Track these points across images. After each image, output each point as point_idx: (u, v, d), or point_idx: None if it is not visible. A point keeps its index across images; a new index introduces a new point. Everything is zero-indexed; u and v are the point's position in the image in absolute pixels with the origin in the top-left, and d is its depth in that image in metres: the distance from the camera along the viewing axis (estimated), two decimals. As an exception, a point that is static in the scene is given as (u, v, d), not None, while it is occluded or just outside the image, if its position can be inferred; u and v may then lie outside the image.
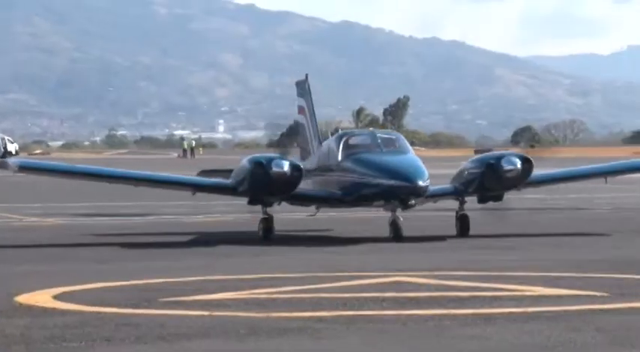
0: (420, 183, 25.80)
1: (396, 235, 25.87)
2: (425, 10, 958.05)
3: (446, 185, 28.79)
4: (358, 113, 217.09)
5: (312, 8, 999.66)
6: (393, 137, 28.87)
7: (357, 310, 15.38)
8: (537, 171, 28.43)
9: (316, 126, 32.88)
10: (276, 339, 13.11)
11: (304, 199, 28.41)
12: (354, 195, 26.74)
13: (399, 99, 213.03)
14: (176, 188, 31.47)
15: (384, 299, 16.41)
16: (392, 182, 25.64)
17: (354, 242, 26.58)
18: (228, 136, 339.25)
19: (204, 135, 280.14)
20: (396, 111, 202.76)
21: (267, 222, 26.86)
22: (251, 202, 26.92)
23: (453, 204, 28.73)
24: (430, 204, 30.14)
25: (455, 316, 14.88)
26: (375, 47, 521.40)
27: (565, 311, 15.18)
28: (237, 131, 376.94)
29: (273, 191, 26.33)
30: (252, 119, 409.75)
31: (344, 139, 28.14)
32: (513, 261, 21.88)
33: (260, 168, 25.72)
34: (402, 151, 27.55)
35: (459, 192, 27.78)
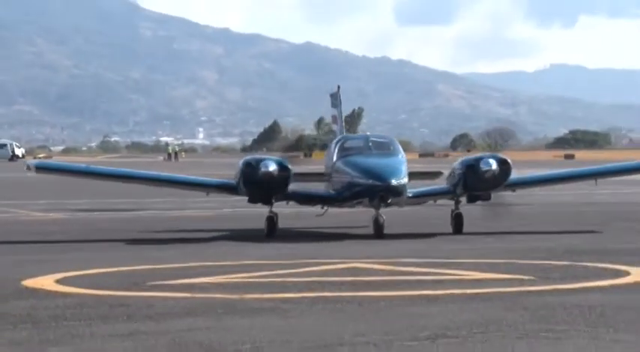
0: (394, 182, 24.37)
1: (378, 233, 24.46)
2: (376, 32, 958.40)
3: (441, 185, 27.41)
4: (319, 122, 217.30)
5: (279, 31, 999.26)
6: (386, 141, 27.30)
7: (319, 292, 15.38)
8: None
9: (343, 132, 31.26)
10: (249, 317, 13.10)
11: (299, 198, 26.82)
12: (343, 195, 25.54)
13: (354, 110, 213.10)
14: (188, 188, 30.44)
15: (342, 283, 16.43)
16: (369, 181, 24.45)
17: (340, 237, 25.93)
18: (207, 142, 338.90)
19: (186, 141, 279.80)
20: (352, 121, 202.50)
21: (271, 220, 25.57)
22: (250, 201, 25.83)
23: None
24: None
25: (404, 297, 14.91)
26: (333, 65, 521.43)
27: (498, 292, 15.24)
28: (214, 137, 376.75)
29: (264, 189, 25.11)
30: (228, 127, 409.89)
31: (340, 143, 27.21)
32: (460, 249, 21.88)
33: (249, 168, 24.83)
34: (390, 154, 26.08)
35: (450, 191, 26.30)
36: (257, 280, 16.82)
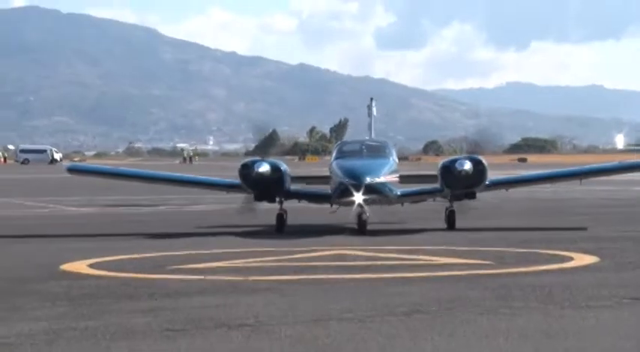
0: (367, 180, 22.45)
1: (361, 229, 22.69)
2: (359, 55, 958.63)
3: (434, 185, 24.64)
4: (311, 131, 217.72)
5: (277, 54, 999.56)
6: (379, 144, 25.52)
7: (312, 275, 15.39)
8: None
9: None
10: (252, 296, 13.09)
11: (302, 197, 24.92)
12: (335, 193, 23.62)
13: (340, 121, 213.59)
14: (200, 187, 29.44)
15: (331, 267, 16.43)
16: (345, 180, 22.68)
17: (333, 231, 24.40)
18: (216, 148, 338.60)
19: (198, 147, 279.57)
20: (339, 130, 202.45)
21: (280, 217, 23.68)
22: (255, 199, 24.05)
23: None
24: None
25: (383, 278, 14.91)
26: (323, 83, 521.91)
27: (463, 275, 15.25)
28: (222, 144, 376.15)
29: (259, 188, 23.46)
30: (234, 135, 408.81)
31: (338, 147, 25.64)
32: (431, 239, 21.86)
33: (245, 169, 23.39)
34: (379, 156, 24.27)
35: (439, 191, 24.18)
36: (258, 264, 16.83)
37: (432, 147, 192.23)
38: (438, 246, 19.89)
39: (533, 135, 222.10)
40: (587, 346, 9.64)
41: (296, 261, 17.34)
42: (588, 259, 17.09)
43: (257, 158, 23.79)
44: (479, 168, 23.30)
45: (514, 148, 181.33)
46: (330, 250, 18.99)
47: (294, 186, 24.81)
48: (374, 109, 30.42)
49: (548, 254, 18.02)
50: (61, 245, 20.66)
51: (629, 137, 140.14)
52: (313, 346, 9.69)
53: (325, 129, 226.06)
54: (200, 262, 17.02)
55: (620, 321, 11.08)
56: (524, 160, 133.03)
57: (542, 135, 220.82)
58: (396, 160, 24.97)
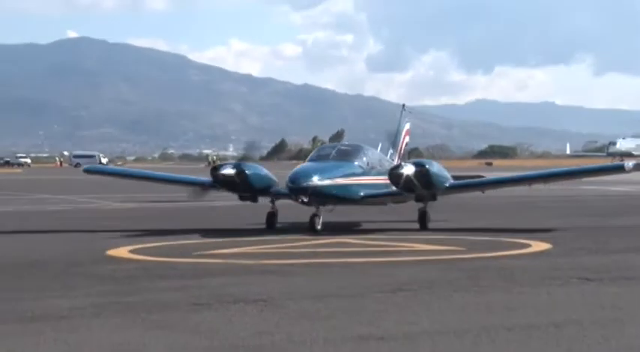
0: (304, 184, 19.92)
1: (310, 227, 20.17)
2: (354, 77, 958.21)
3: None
4: (314, 140, 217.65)
5: (285, 76, 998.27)
6: (351, 149, 22.27)
7: (313, 259, 15.37)
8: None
9: (396, 142, 26.43)
10: (263, 276, 13.07)
11: (280, 196, 21.62)
12: None
13: (337, 131, 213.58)
14: (183, 185, 26.26)
15: (329, 252, 16.41)
16: (289, 183, 20.30)
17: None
18: (235, 154, 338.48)
19: (220, 153, 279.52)
20: (336, 139, 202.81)
21: (269, 215, 21.45)
22: (240, 198, 21.92)
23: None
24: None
25: (373, 262, 14.90)
26: (323, 99, 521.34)
27: (439, 259, 15.24)
28: (240, 150, 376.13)
29: (226, 186, 21.39)
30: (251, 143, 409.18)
31: (315, 150, 23.46)
32: (411, 230, 21.84)
33: (214, 171, 21.54)
34: (343, 159, 21.36)
35: (398, 193, 21.41)
36: (268, 251, 16.79)
37: (413, 153, 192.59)
38: (417, 235, 19.87)
39: (497, 143, 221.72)
40: (541, 317, 9.63)
41: (299, 247, 17.32)
42: (544, 246, 17.07)
43: (227, 163, 22.05)
44: (422, 171, 20.58)
45: (482, 154, 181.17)
46: (328, 239, 18.95)
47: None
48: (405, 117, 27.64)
49: (511, 242, 18.00)
50: (107, 234, 20.64)
51: (575, 145, 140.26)
52: (315, 317, 9.68)
53: (325, 138, 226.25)
54: (220, 248, 16.99)
55: (569, 297, 11.07)
56: (490, 164, 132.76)
57: (505, 143, 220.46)
58: (373, 164, 21.93)
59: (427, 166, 20.90)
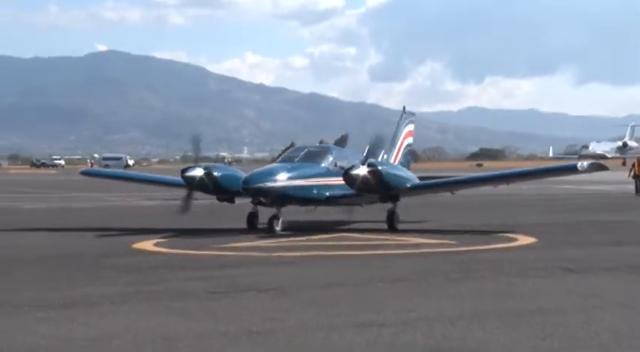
0: (257, 185, 18.50)
1: (269, 229, 18.71)
2: (357, 86, 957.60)
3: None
4: (320, 143, 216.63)
5: (295, 85, 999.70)
6: (320, 151, 20.84)
7: (321, 251, 15.34)
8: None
9: (392, 143, 24.75)
10: (273, 267, 13.06)
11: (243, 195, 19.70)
12: None
13: (342, 136, 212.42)
14: (164, 186, 25.02)
15: (335, 246, 16.37)
16: (242, 184, 18.90)
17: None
18: (249, 156, 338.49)
19: (235, 155, 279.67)
20: (340, 142, 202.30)
21: (250, 215, 19.85)
22: (217, 200, 20.33)
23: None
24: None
25: (374, 255, 14.86)
26: (329, 106, 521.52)
27: (434, 252, 15.19)
28: (254, 153, 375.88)
29: (192, 187, 19.76)
30: (262, 146, 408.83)
31: (287, 152, 21.48)
32: (409, 225, 21.78)
33: (182, 172, 19.93)
34: (308, 161, 19.86)
35: (356, 195, 19.48)
36: (278, 244, 16.76)
37: (411, 156, 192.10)
38: (415, 230, 19.83)
39: (487, 146, 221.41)
40: (528, 304, 9.59)
41: (306, 241, 17.28)
42: (529, 240, 17.02)
43: (196, 165, 20.19)
44: (374, 172, 18.80)
45: (473, 156, 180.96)
46: (332, 234, 18.93)
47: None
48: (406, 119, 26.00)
49: (499, 236, 17.94)
50: (133, 228, 20.64)
51: (558, 148, 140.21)
52: (322, 305, 9.66)
53: (331, 141, 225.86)
54: (236, 242, 16.97)
55: (553, 286, 11.02)
56: (480, 165, 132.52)
57: (495, 146, 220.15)
58: (342, 164, 19.90)
59: (379, 167, 19.05)
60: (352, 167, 19.02)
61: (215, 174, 19.60)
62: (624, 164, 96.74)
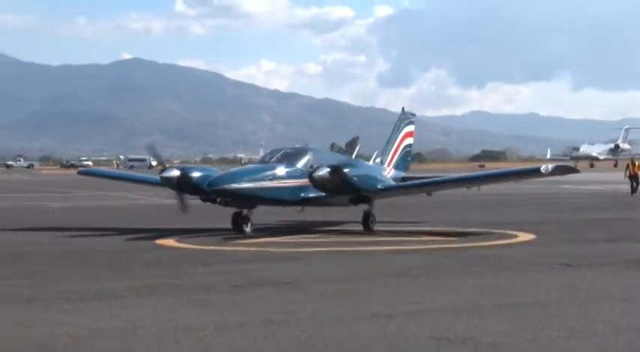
0: (221, 187, 17.44)
1: (239, 230, 17.93)
2: (366, 91, 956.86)
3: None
4: (331, 146, 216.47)
5: (308, 90, 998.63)
6: (296, 153, 19.38)
7: (331, 247, 15.32)
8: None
9: (388, 143, 24.20)
10: (288, 262, 13.06)
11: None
12: None
13: (352, 138, 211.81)
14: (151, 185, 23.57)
15: (344, 242, 16.34)
16: (206, 186, 17.80)
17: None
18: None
19: (252, 157, 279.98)
20: (351, 145, 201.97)
21: (234, 215, 18.44)
22: (201, 200, 18.89)
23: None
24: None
25: (379, 251, 14.81)
26: (341, 111, 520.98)
27: (437, 248, 15.15)
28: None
29: (169, 187, 18.76)
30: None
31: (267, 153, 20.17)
32: (412, 224, 21.75)
33: (160, 173, 19.02)
34: (282, 163, 18.67)
35: (324, 196, 18.50)
36: (293, 241, 16.76)
37: (417, 157, 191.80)
38: (419, 227, 19.77)
39: (489, 148, 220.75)
40: (527, 297, 9.56)
41: (319, 238, 17.27)
42: (529, 237, 16.95)
43: (174, 166, 19.24)
44: (337, 173, 17.67)
45: (475, 158, 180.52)
46: (342, 231, 18.90)
47: None
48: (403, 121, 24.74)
49: (499, 233, 17.88)
50: (157, 225, 20.69)
51: (555, 150, 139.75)
52: (333, 298, 9.65)
53: (342, 144, 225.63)
54: (252, 239, 16.98)
55: (551, 281, 10.98)
56: (482, 166, 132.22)
57: (496, 148, 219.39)
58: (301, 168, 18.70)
59: (343, 169, 17.81)
60: (316, 169, 17.92)
61: (191, 174, 18.37)
62: (616, 165, 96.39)
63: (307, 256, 13.90)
